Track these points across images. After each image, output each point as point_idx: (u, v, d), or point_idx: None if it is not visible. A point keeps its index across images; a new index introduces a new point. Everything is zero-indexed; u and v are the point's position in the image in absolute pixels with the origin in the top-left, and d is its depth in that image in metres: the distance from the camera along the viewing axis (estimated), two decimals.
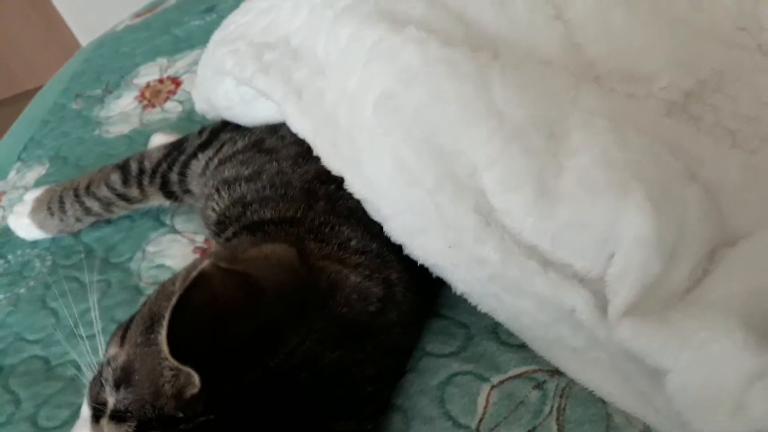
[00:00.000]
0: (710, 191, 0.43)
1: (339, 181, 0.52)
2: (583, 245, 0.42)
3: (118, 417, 0.43)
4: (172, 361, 0.39)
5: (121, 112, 0.93)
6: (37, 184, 0.83)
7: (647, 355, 0.38)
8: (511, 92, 0.45)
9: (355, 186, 0.51)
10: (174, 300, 0.38)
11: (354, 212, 0.52)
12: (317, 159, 0.54)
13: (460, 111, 0.45)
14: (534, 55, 0.51)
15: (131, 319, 0.48)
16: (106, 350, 0.48)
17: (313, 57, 0.54)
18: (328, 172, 0.53)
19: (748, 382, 0.36)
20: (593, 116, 0.44)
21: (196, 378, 0.40)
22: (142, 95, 0.94)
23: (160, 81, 0.95)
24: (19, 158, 0.90)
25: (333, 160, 0.52)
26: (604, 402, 0.46)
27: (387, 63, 0.49)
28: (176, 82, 0.94)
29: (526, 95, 0.45)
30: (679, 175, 0.43)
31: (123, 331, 0.47)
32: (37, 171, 0.87)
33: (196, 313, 0.38)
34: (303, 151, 0.56)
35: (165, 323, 0.38)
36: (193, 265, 0.47)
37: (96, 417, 0.45)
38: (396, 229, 0.49)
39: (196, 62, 0.91)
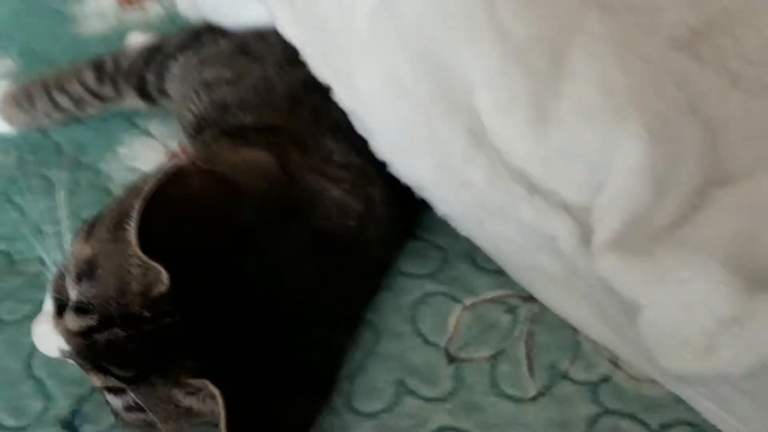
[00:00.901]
0: (709, 127, 0.42)
1: (325, 90, 0.50)
2: (575, 172, 0.41)
3: (80, 309, 0.42)
4: (141, 256, 0.37)
5: (98, 9, 0.87)
6: (6, 77, 0.79)
7: (625, 288, 0.38)
8: (516, 8, 0.43)
9: (343, 97, 0.49)
10: (146, 190, 0.36)
11: (339, 125, 0.50)
12: (304, 66, 0.51)
13: (460, 23, 0.43)
14: None
15: (99, 216, 0.46)
16: (72, 245, 0.46)
17: None
18: (314, 81, 0.51)
19: (722, 325, 0.36)
20: (597, 41, 0.42)
21: (164, 276, 0.39)
22: None
23: None
24: None
25: (322, 69, 0.49)
26: (574, 330, 0.47)
27: None
28: None
29: (531, 14, 0.43)
30: (680, 107, 0.42)
31: (89, 227, 0.45)
32: (5, 64, 0.82)
33: (170, 208, 0.37)
34: (289, 57, 0.53)
35: (136, 215, 0.36)
36: (167, 164, 0.45)
37: (59, 310, 0.44)
38: (382, 145, 0.48)
39: None
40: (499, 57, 0.42)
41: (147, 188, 0.36)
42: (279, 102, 0.52)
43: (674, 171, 0.40)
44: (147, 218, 0.37)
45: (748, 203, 0.40)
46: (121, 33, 0.83)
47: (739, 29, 0.49)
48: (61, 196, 0.63)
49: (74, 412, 0.49)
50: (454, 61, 0.43)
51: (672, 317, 0.37)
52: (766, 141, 0.45)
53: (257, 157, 0.46)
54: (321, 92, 0.51)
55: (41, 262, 0.59)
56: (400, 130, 0.46)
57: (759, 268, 0.37)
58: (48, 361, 0.50)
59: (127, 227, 0.40)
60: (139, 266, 0.40)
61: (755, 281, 0.36)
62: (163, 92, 0.65)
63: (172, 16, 0.82)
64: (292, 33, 0.51)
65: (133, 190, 0.47)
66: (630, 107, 0.40)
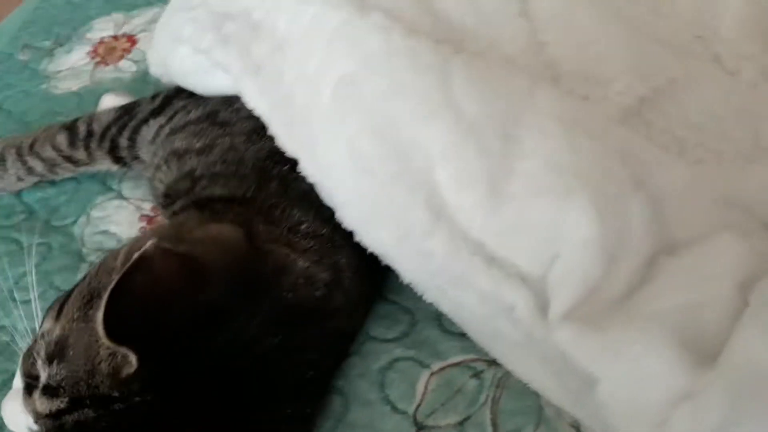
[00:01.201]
0: (655, 198, 0.44)
1: (293, 161, 0.52)
2: (528, 246, 0.43)
3: (50, 391, 0.42)
4: (108, 343, 0.38)
5: (71, 68, 0.89)
6: None
7: (581, 361, 0.40)
8: (470, 89, 0.45)
9: (309, 170, 0.50)
10: (113, 283, 0.37)
11: (306, 195, 0.51)
12: (272, 137, 0.53)
13: (418, 104, 0.45)
14: (497, 49, 0.50)
15: (69, 293, 0.47)
16: (42, 323, 0.47)
17: (274, 33, 0.53)
18: (282, 152, 0.52)
19: (675, 401, 0.37)
20: (547, 119, 0.45)
21: (132, 358, 0.40)
22: (95, 51, 0.90)
23: (115, 38, 0.91)
24: None
25: (288, 142, 0.51)
26: (537, 395, 0.48)
27: (349, 48, 0.48)
28: (132, 40, 0.90)
29: (485, 93, 0.45)
30: (625, 183, 0.44)
31: (60, 305, 0.46)
32: None
33: (136, 296, 0.38)
34: (257, 127, 0.55)
35: (102, 305, 0.37)
36: (137, 242, 0.46)
37: (28, 390, 0.44)
38: (348, 217, 0.49)
39: (153, 21, 0.87)
40: (454, 136, 0.44)
41: (112, 281, 0.37)
42: (247, 173, 0.53)
43: (623, 244, 0.42)
44: (115, 305, 0.38)
45: (695, 274, 0.42)
46: (95, 91, 0.84)
47: (683, 96, 0.52)
48: (31, 262, 0.64)
49: None
50: (413, 139, 0.45)
51: (626, 391, 0.39)
52: (712, 207, 0.47)
53: (224, 231, 0.48)
54: (288, 163, 0.52)
55: (11, 332, 0.59)
56: (364, 202, 0.48)
57: (706, 340, 0.38)
58: None
59: (96, 309, 0.41)
60: (108, 348, 0.41)
61: (704, 354, 0.38)
62: (136, 157, 0.67)
63: (146, 76, 0.84)
64: (257, 105, 0.53)
65: (102, 267, 0.48)
66: (577, 186, 0.42)
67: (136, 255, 0.37)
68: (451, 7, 0.51)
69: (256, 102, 0.53)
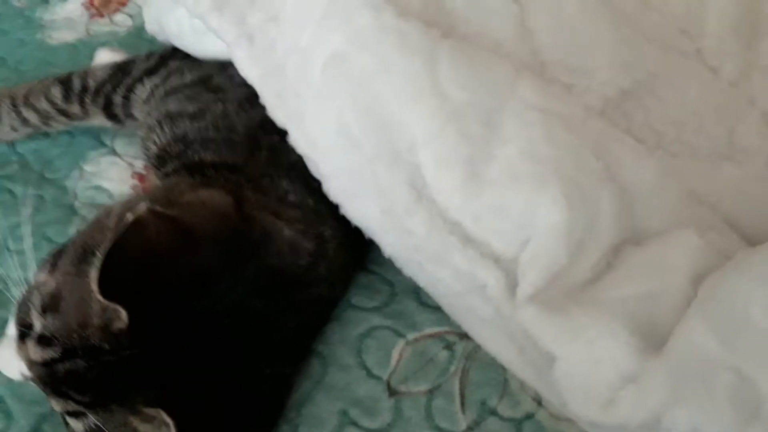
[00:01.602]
0: (625, 191, 0.47)
1: (283, 132, 0.53)
2: (502, 228, 0.45)
3: (43, 340, 0.44)
4: (101, 300, 0.40)
5: (67, 18, 0.88)
6: None
7: (542, 340, 0.42)
8: (456, 74, 0.46)
9: (298, 141, 0.51)
10: (107, 245, 0.39)
11: (295, 166, 0.53)
12: (263, 106, 0.54)
13: (405, 85, 0.47)
14: (487, 34, 0.51)
15: (63, 247, 0.48)
16: (36, 275, 0.49)
17: (269, 3, 0.54)
18: (273, 122, 0.53)
19: (622, 382, 0.40)
20: (528, 109, 0.46)
21: (123, 314, 0.42)
22: (91, 2, 0.89)
23: None
24: None
25: (278, 112, 0.52)
26: (504, 368, 0.51)
27: (341, 23, 0.49)
28: None
29: (470, 80, 0.47)
30: (597, 175, 0.46)
31: (54, 259, 0.48)
32: None
33: (128, 256, 0.40)
34: (250, 95, 0.55)
35: (97, 265, 0.39)
36: (130, 202, 0.48)
37: (22, 338, 0.46)
38: (334, 189, 0.51)
39: None
40: (438, 120, 0.46)
41: (107, 243, 0.39)
42: (238, 141, 0.55)
43: (591, 233, 0.44)
44: (108, 265, 0.40)
45: (655, 265, 0.44)
46: (89, 44, 0.84)
47: (663, 91, 0.53)
48: (26, 212, 0.65)
49: None
50: (398, 119, 0.47)
51: (581, 371, 0.42)
52: (680, 201, 0.49)
53: (214, 197, 0.49)
54: (278, 134, 0.54)
55: (5, 279, 0.61)
56: (350, 177, 0.50)
57: (658, 328, 0.41)
58: (9, 380, 0.53)
59: (90, 263, 0.43)
60: (100, 303, 0.43)
61: (655, 341, 0.41)
62: (130, 115, 0.67)
63: (141, 31, 0.83)
64: (249, 74, 0.54)
65: (96, 224, 0.49)
66: (551, 176, 0.44)
67: (130, 217, 0.39)
68: None
69: (248, 70, 0.53)
